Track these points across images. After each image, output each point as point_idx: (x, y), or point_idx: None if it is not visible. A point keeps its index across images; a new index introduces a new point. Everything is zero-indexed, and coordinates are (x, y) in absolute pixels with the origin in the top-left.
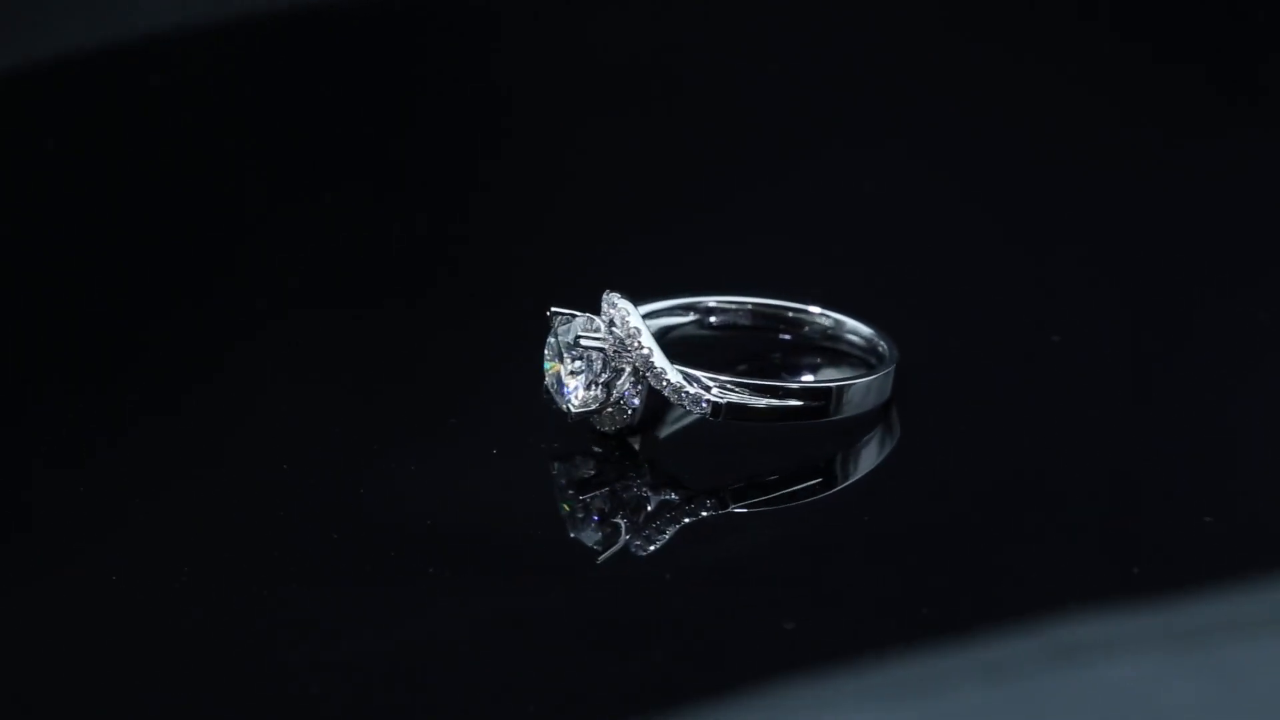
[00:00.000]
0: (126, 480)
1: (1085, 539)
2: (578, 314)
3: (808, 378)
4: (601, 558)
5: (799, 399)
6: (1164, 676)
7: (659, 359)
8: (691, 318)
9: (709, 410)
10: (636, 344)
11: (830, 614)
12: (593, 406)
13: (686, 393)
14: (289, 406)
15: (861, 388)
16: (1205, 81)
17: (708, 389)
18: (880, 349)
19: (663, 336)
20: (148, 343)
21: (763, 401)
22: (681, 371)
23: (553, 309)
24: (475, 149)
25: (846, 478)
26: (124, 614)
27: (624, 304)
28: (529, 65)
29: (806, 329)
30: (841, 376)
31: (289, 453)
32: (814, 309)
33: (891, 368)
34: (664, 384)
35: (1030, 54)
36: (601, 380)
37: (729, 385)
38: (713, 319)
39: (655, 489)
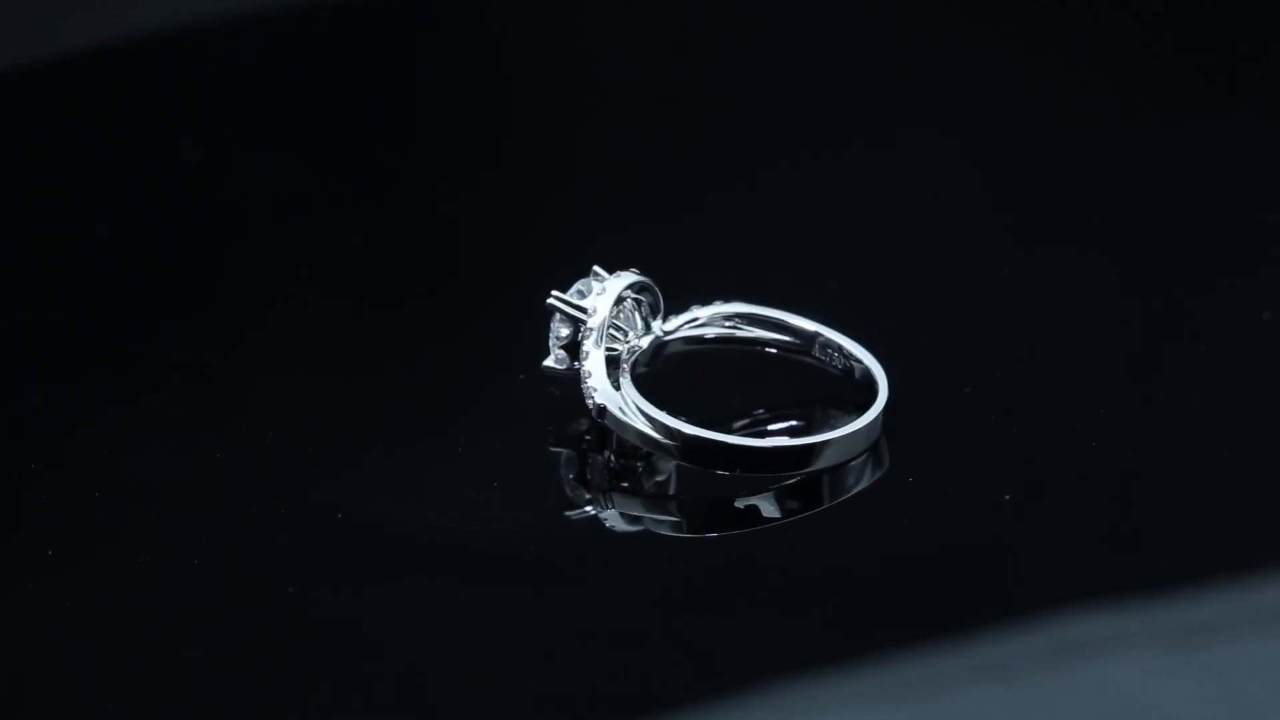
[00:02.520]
0: (125, 478)
1: (1084, 537)
2: (603, 277)
3: (789, 438)
4: (570, 514)
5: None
6: (1163, 675)
7: (591, 342)
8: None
9: (592, 408)
10: (589, 322)
11: (830, 616)
12: (558, 367)
13: (586, 382)
14: (291, 402)
15: (840, 444)
16: (1210, 72)
17: (617, 388)
18: (876, 384)
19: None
20: (148, 341)
21: (640, 424)
22: (616, 366)
23: (595, 268)
24: (474, 146)
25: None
26: (122, 616)
27: (610, 281)
28: (528, 62)
29: (808, 352)
30: (821, 432)
31: (294, 450)
32: (811, 328)
33: (876, 414)
34: (583, 367)
35: (1037, 50)
36: (563, 344)
37: (668, 427)
38: (707, 333)
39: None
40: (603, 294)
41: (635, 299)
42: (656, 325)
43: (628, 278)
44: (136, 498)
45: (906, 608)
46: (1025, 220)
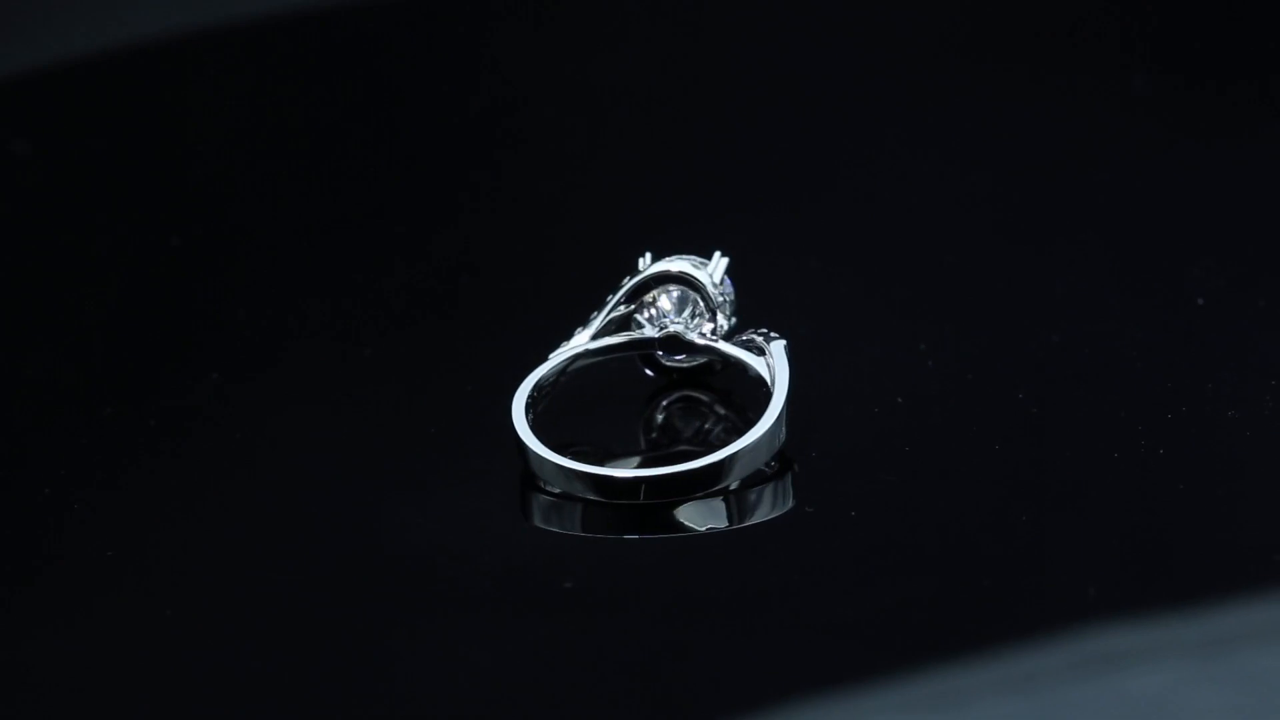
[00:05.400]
0: (120, 507)
1: (1110, 548)
2: (700, 263)
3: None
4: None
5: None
6: (1191, 685)
7: (601, 315)
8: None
9: None
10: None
11: (854, 627)
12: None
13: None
14: (292, 433)
15: (750, 451)
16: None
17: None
18: (773, 388)
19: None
20: (147, 370)
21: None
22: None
23: (718, 252)
24: (469, 168)
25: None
26: (121, 646)
27: (654, 266)
28: (528, 85)
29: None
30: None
31: (297, 482)
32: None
33: (774, 418)
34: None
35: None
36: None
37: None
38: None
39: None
40: (640, 270)
41: (685, 292)
42: (704, 325)
43: (669, 266)
44: (131, 527)
45: (931, 620)
46: (1024, 234)
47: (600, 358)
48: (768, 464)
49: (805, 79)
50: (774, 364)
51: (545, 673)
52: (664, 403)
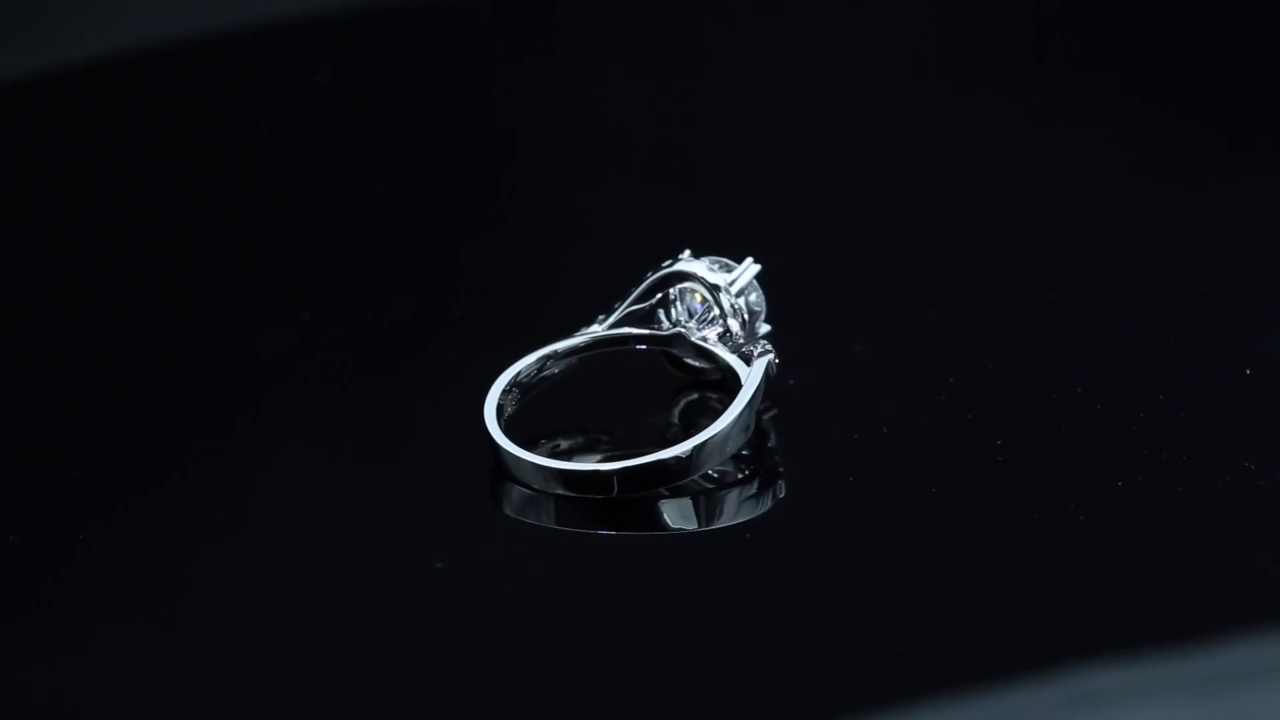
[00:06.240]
0: (105, 549)
1: (1101, 587)
2: (730, 266)
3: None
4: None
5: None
6: None
7: (622, 306)
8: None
9: None
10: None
11: (847, 668)
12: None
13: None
14: (291, 433)
15: (717, 444)
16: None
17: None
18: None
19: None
20: (142, 404)
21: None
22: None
23: (748, 259)
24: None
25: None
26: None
27: (675, 265)
28: (530, 113)
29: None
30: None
31: (292, 485)
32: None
33: (732, 418)
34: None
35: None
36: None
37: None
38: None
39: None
40: (674, 265)
41: (706, 294)
42: (715, 328)
43: (686, 267)
44: (124, 570)
45: (926, 659)
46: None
47: (572, 356)
48: (742, 470)
49: (865, 93)
50: (752, 373)
51: (523, 672)
52: (681, 401)
